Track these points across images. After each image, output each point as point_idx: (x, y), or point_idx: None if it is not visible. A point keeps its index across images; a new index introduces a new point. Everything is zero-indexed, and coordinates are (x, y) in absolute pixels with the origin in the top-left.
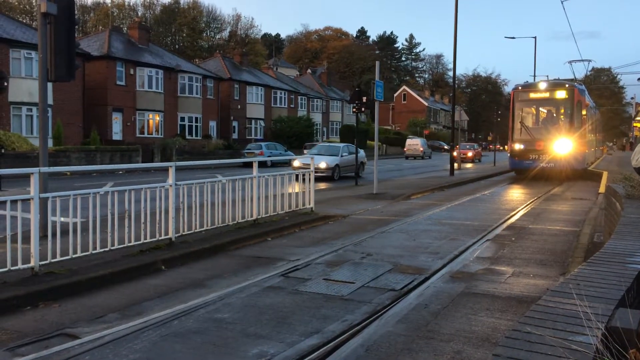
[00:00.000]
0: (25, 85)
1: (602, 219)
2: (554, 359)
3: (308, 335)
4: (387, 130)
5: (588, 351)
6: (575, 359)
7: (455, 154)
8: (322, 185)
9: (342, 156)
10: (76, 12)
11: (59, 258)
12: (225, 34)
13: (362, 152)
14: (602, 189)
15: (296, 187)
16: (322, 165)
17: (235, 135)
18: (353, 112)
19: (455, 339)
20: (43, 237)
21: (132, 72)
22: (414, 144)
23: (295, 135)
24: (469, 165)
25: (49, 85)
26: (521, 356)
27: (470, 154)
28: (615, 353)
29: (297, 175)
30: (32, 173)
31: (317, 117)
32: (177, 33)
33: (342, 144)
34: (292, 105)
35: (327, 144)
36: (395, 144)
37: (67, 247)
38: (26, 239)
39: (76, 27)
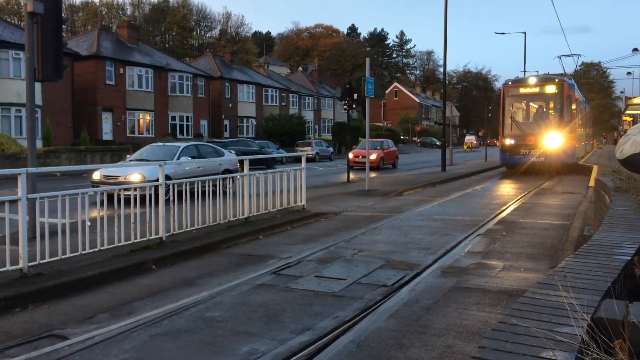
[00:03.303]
0: (13, 86)
1: (592, 212)
2: (539, 350)
3: (299, 332)
4: (379, 127)
5: (573, 342)
6: (561, 350)
7: (350, 156)
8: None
9: (179, 163)
10: (64, 11)
11: (48, 259)
12: (216, 32)
13: (229, 155)
14: (592, 183)
15: (100, 213)
16: (135, 178)
17: (227, 134)
18: (344, 109)
19: (446, 333)
20: (32, 238)
21: (121, 71)
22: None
23: (287, 134)
24: (373, 174)
25: (37, 85)
26: (507, 348)
27: (373, 156)
28: (600, 344)
29: (106, 195)
30: (20, 174)
31: (308, 115)
32: (166, 32)
33: (183, 144)
34: (283, 103)
35: (161, 143)
36: None
37: (56, 248)
38: (15, 240)
39: (64, 26)
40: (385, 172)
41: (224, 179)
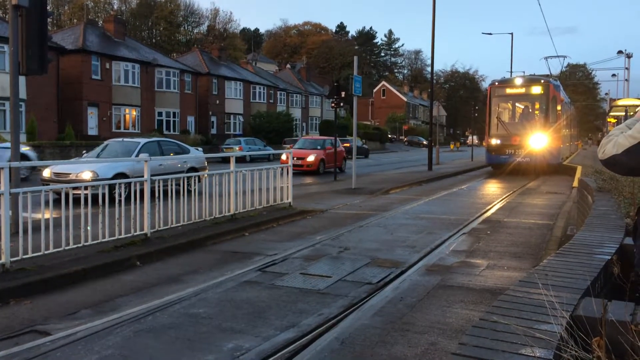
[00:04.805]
0: None
1: (576, 212)
2: (519, 347)
3: (284, 329)
4: (367, 126)
5: (552, 339)
6: (540, 347)
7: (283, 157)
8: None
9: (138, 160)
10: (49, 4)
11: (30, 254)
12: (204, 28)
13: (195, 152)
14: (575, 183)
15: (46, 214)
16: (86, 175)
17: (213, 131)
18: (332, 107)
19: (430, 330)
20: (14, 233)
21: (107, 66)
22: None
23: (274, 131)
24: (309, 180)
25: (22, 79)
26: (487, 344)
27: (311, 158)
28: (579, 341)
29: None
30: (2, 168)
31: (296, 113)
32: (154, 27)
33: (144, 140)
34: (271, 101)
35: (120, 139)
36: (375, 139)
37: (39, 243)
38: None
39: (49, 19)
40: (329, 176)
41: (189, 178)
